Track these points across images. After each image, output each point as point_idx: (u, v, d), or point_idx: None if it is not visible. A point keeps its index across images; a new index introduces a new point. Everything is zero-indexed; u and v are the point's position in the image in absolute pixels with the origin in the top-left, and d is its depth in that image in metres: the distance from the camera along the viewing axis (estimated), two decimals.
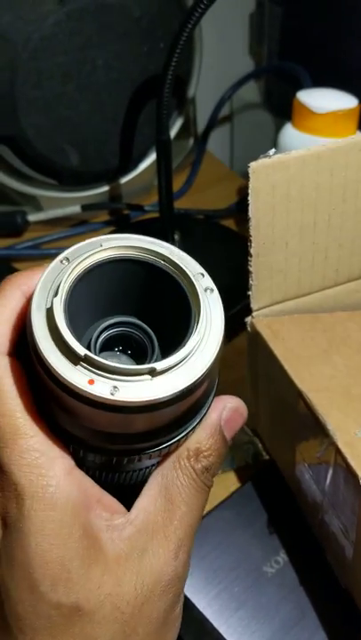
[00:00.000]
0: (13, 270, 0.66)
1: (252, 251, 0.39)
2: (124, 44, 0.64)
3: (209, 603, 0.42)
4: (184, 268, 0.24)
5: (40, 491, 0.22)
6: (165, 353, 0.25)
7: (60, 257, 0.23)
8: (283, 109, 0.65)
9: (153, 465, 0.26)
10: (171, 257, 0.24)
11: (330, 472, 0.37)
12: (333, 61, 0.76)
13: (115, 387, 0.21)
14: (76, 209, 0.73)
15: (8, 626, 0.23)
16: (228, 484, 0.49)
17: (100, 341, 0.25)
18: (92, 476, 0.25)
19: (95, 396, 0.21)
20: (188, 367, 0.22)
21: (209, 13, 0.52)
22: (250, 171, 0.36)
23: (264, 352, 0.41)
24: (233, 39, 0.91)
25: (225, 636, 0.40)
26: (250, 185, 0.37)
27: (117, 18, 0.62)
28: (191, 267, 0.25)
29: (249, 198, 0.37)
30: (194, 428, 0.25)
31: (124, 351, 0.26)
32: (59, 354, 0.21)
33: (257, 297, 0.42)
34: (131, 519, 0.24)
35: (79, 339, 0.21)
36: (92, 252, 0.23)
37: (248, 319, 0.42)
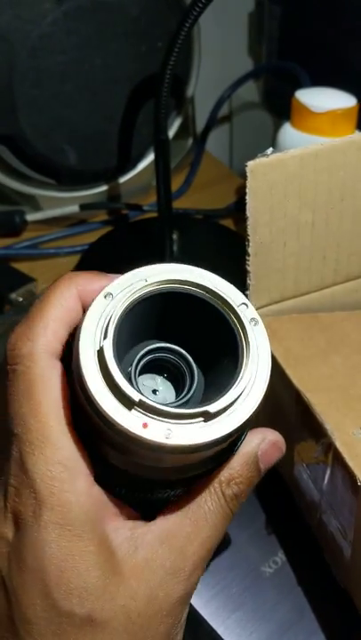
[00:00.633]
0: (12, 270, 0.67)
1: (249, 250, 0.39)
2: (123, 43, 0.64)
3: (206, 603, 0.42)
4: (228, 299, 0.24)
5: (59, 505, 0.22)
6: (207, 379, 0.25)
7: (104, 292, 0.23)
8: (282, 109, 0.65)
9: (178, 492, 0.26)
10: (214, 289, 0.24)
11: (328, 472, 0.37)
12: (333, 61, 0.76)
13: (169, 429, 0.21)
14: (75, 208, 0.73)
15: (15, 627, 0.22)
16: None
17: (140, 366, 0.25)
18: (118, 493, 0.25)
19: (149, 440, 0.21)
20: (238, 408, 0.22)
21: (208, 13, 0.51)
22: (247, 170, 0.36)
23: None
24: (232, 39, 0.91)
25: (223, 636, 0.40)
26: (247, 184, 0.36)
27: (116, 17, 0.62)
28: (234, 297, 0.24)
29: (246, 197, 0.37)
30: (229, 458, 0.25)
31: (161, 375, 0.26)
32: (111, 397, 0.21)
33: (255, 296, 0.42)
34: (153, 529, 0.24)
35: (120, 365, 0.21)
36: (137, 288, 0.23)
37: None
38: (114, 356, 0.21)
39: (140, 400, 0.21)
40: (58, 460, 0.22)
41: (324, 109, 0.57)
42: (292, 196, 0.38)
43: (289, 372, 0.39)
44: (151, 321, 0.25)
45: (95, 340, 0.22)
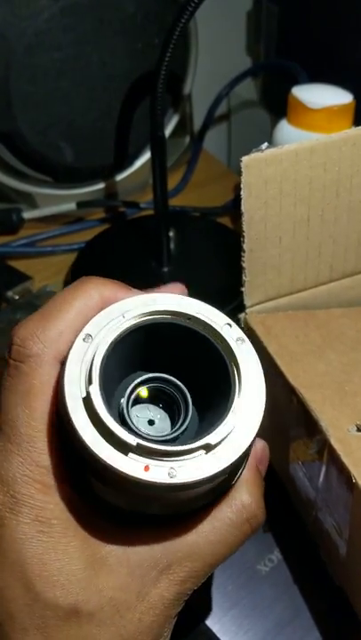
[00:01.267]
0: (8, 268, 0.67)
1: (244, 246, 0.39)
2: (119, 39, 0.63)
3: (202, 601, 0.41)
4: (210, 322, 0.24)
5: (40, 506, 0.22)
6: (201, 405, 0.25)
7: (82, 335, 0.22)
8: (280, 107, 0.65)
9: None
10: (195, 314, 0.24)
11: (323, 469, 0.37)
12: (331, 59, 0.76)
13: (172, 468, 0.20)
14: (72, 206, 0.73)
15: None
16: None
17: (132, 399, 0.24)
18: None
19: (153, 482, 0.20)
20: (238, 434, 0.22)
21: (206, 11, 0.51)
22: (242, 165, 0.36)
23: (257, 348, 0.41)
24: (230, 37, 0.91)
25: (218, 635, 0.40)
26: (242, 179, 0.36)
27: (112, 13, 0.62)
28: (217, 319, 0.24)
29: (241, 193, 0.37)
30: (228, 489, 0.25)
31: (155, 404, 0.26)
32: (106, 445, 0.20)
33: (250, 293, 0.41)
34: (147, 534, 0.24)
35: (109, 400, 0.21)
36: (115, 326, 0.23)
37: (241, 315, 0.42)
38: (103, 402, 0.21)
39: (138, 444, 0.20)
40: (42, 464, 0.22)
41: (320, 105, 0.57)
42: (288, 192, 0.38)
43: (284, 368, 0.38)
44: (138, 352, 0.25)
45: (81, 388, 0.21)
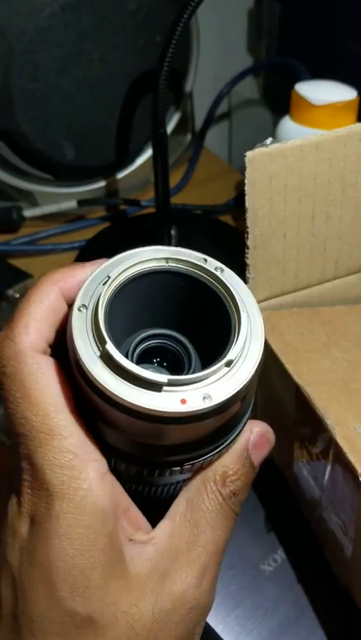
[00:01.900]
0: (9, 266, 0.66)
1: (248, 243, 0.39)
2: (120, 37, 0.63)
3: None
4: (189, 259, 0.24)
5: (71, 492, 0.22)
6: (205, 364, 0.25)
7: (76, 307, 0.23)
8: (281, 105, 0.65)
9: (182, 481, 0.25)
10: (172, 257, 0.24)
11: (328, 468, 0.36)
12: (332, 57, 0.75)
13: (205, 393, 0.21)
14: (73, 204, 0.72)
15: (18, 625, 0.22)
16: None
17: (137, 353, 0.25)
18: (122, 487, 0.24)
19: (194, 411, 0.21)
20: (250, 347, 0.23)
21: (208, 9, 0.51)
22: (246, 160, 0.35)
23: None
24: (231, 35, 0.90)
25: (222, 635, 0.40)
26: (246, 175, 0.36)
27: (113, 10, 0.61)
28: (193, 257, 0.25)
29: (246, 188, 0.36)
30: (226, 446, 0.25)
31: (160, 363, 0.26)
32: (137, 390, 0.21)
33: (254, 290, 0.41)
34: (153, 539, 0.24)
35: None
36: (105, 288, 0.23)
37: None
38: (121, 353, 0.21)
39: (169, 380, 0.21)
40: (66, 448, 0.22)
41: (324, 102, 0.57)
42: (292, 188, 0.38)
43: (288, 366, 0.38)
44: (133, 310, 0.25)
45: (95, 351, 0.21)
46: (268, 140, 0.36)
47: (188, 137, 0.84)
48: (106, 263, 0.24)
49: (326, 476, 0.37)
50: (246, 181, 0.36)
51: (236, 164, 0.91)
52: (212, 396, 0.21)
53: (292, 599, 0.41)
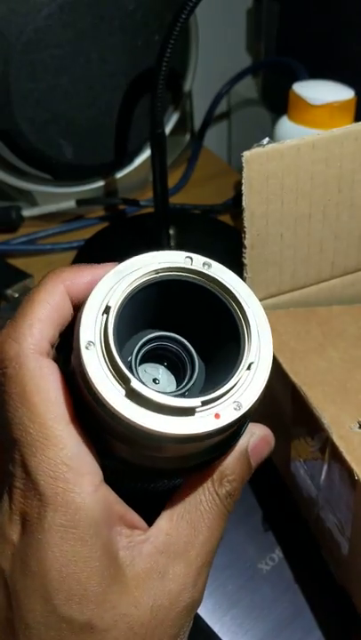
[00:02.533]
0: (8, 266, 0.66)
1: (246, 242, 0.39)
2: (119, 36, 0.63)
3: (202, 601, 0.41)
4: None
5: (64, 505, 0.22)
6: (207, 363, 0.25)
7: (99, 309, 0.22)
8: (280, 105, 0.65)
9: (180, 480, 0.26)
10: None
11: (325, 467, 0.36)
12: (331, 57, 0.75)
13: (235, 402, 0.21)
14: (71, 204, 0.72)
15: (14, 630, 0.22)
16: None
17: (140, 356, 0.25)
18: (116, 482, 0.24)
19: (229, 423, 0.21)
20: (263, 350, 0.23)
21: (206, 8, 0.51)
22: (243, 160, 0.35)
23: None
24: (230, 35, 0.90)
25: (219, 635, 0.40)
26: (243, 174, 0.36)
27: (111, 10, 0.61)
28: (177, 257, 0.24)
29: (243, 188, 0.36)
30: (226, 451, 0.25)
31: (161, 364, 0.26)
32: (168, 418, 0.20)
33: (251, 290, 0.41)
34: (151, 539, 0.24)
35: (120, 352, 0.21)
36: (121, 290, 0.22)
37: None
38: (148, 387, 0.21)
39: (203, 401, 0.21)
40: (61, 460, 0.22)
41: (321, 102, 0.57)
42: (289, 187, 0.38)
43: (285, 366, 0.38)
44: (150, 311, 0.25)
45: (119, 389, 0.21)
46: (265, 140, 0.36)
47: (187, 137, 0.84)
48: (98, 289, 0.23)
49: (323, 476, 0.37)
50: (243, 181, 0.36)
51: (235, 164, 0.91)
52: (242, 404, 0.21)
53: (289, 598, 0.42)
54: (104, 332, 0.21)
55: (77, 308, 0.24)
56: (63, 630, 0.21)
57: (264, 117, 0.85)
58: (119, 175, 0.74)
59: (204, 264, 0.24)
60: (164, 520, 0.25)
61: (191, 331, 0.25)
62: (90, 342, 0.21)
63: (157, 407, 0.20)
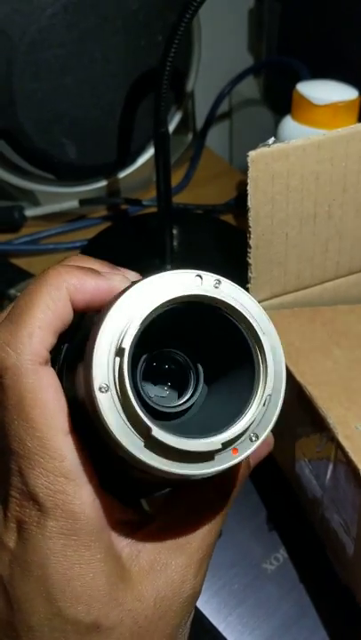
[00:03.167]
0: (10, 265, 0.66)
1: (251, 242, 0.39)
2: (122, 37, 0.63)
3: (207, 600, 0.41)
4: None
5: (64, 517, 0.22)
6: (211, 379, 0.25)
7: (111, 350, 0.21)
8: (282, 105, 0.65)
9: None
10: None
11: (330, 467, 0.36)
12: (333, 57, 0.75)
13: (252, 433, 0.22)
14: (74, 204, 0.72)
15: (17, 634, 0.22)
16: None
17: (142, 372, 0.25)
18: (117, 475, 0.24)
19: (246, 456, 0.22)
20: (276, 380, 0.23)
21: (208, 9, 0.51)
22: (249, 160, 0.35)
23: None
24: (232, 35, 0.90)
25: (224, 634, 0.40)
26: (249, 174, 0.36)
27: (115, 10, 0.61)
28: (186, 276, 0.23)
29: (248, 188, 0.36)
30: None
31: (165, 382, 0.26)
32: (189, 462, 0.21)
33: (256, 290, 0.41)
34: (153, 534, 0.24)
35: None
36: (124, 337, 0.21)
37: None
38: (169, 434, 0.20)
39: (223, 443, 0.21)
40: (60, 472, 0.22)
41: (325, 102, 0.57)
42: (294, 187, 0.38)
43: (290, 366, 0.38)
44: (154, 334, 0.24)
45: (138, 437, 0.20)
46: (271, 140, 0.36)
47: (190, 136, 0.84)
48: (109, 324, 0.21)
49: (328, 476, 0.37)
50: (249, 181, 0.36)
51: (237, 164, 0.91)
52: (258, 435, 0.22)
53: (293, 598, 0.42)
54: (119, 377, 0.20)
55: (78, 312, 0.24)
56: (68, 632, 0.22)
57: (266, 117, 0.85)
58: (122, 175, 0.74)
59: (214, 284, 0.23)
60: (166, 513, 0.25)
61: (197, 346, 0.25)
62: (104, 385, 0.20)
63: (178, 453, 0.20)
